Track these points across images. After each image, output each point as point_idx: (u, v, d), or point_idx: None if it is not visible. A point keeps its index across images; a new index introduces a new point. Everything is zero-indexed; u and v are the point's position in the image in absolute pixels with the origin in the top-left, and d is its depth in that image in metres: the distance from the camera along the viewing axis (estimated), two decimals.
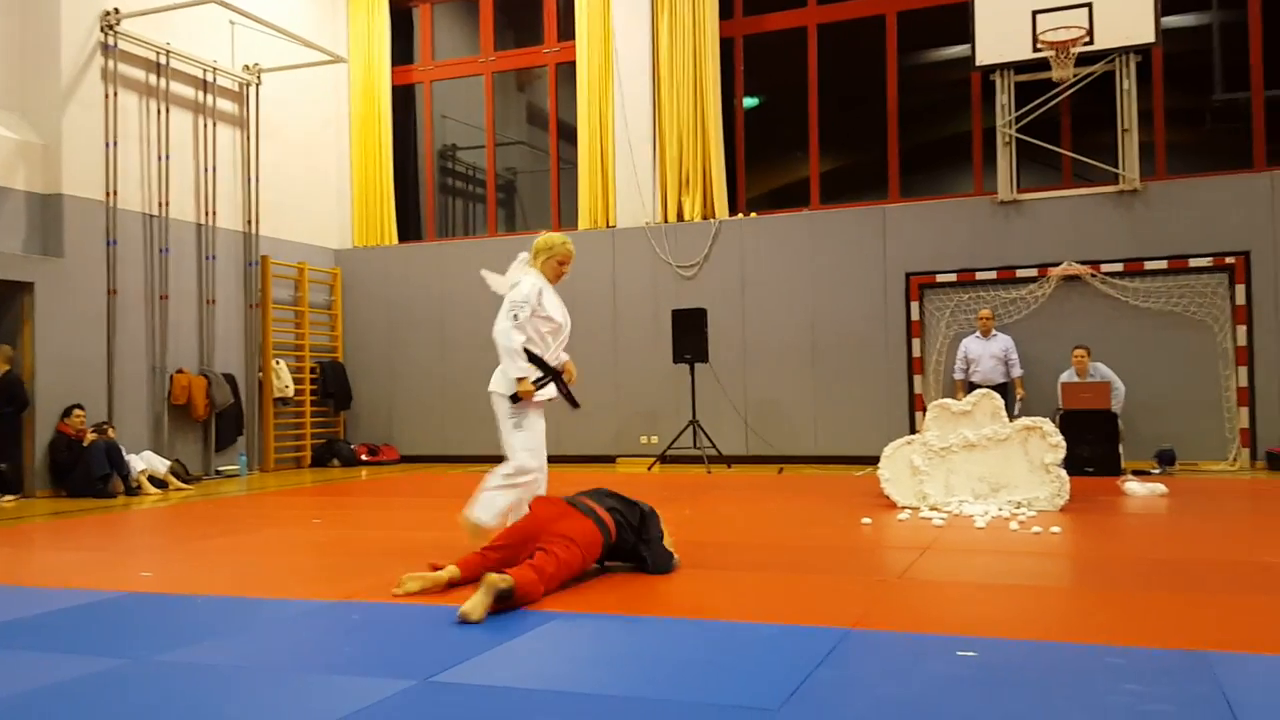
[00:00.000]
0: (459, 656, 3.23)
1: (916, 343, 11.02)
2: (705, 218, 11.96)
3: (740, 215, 11.99)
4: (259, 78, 12.11)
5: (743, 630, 3.59)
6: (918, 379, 10.98)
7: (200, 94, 11.48)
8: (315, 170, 13.30)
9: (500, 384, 5.06)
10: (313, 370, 12.94)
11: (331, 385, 13.01)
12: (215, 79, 11.59)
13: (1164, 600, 3.99)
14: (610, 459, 11.94)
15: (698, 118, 12.02)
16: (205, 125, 11.47)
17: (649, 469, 11.13)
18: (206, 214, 11.42)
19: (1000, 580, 4.51)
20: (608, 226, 12.34)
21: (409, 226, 13.74)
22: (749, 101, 12.62)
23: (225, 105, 11.85)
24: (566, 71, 12.94)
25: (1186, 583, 4.32)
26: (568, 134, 13.01)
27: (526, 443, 5.04)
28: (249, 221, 12.05)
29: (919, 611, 3.94)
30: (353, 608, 4.07)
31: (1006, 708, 2.70)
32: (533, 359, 5.01)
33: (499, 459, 5.15)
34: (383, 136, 13.47)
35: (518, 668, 3.21)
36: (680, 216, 12.10)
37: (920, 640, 3.42)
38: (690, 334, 11.01)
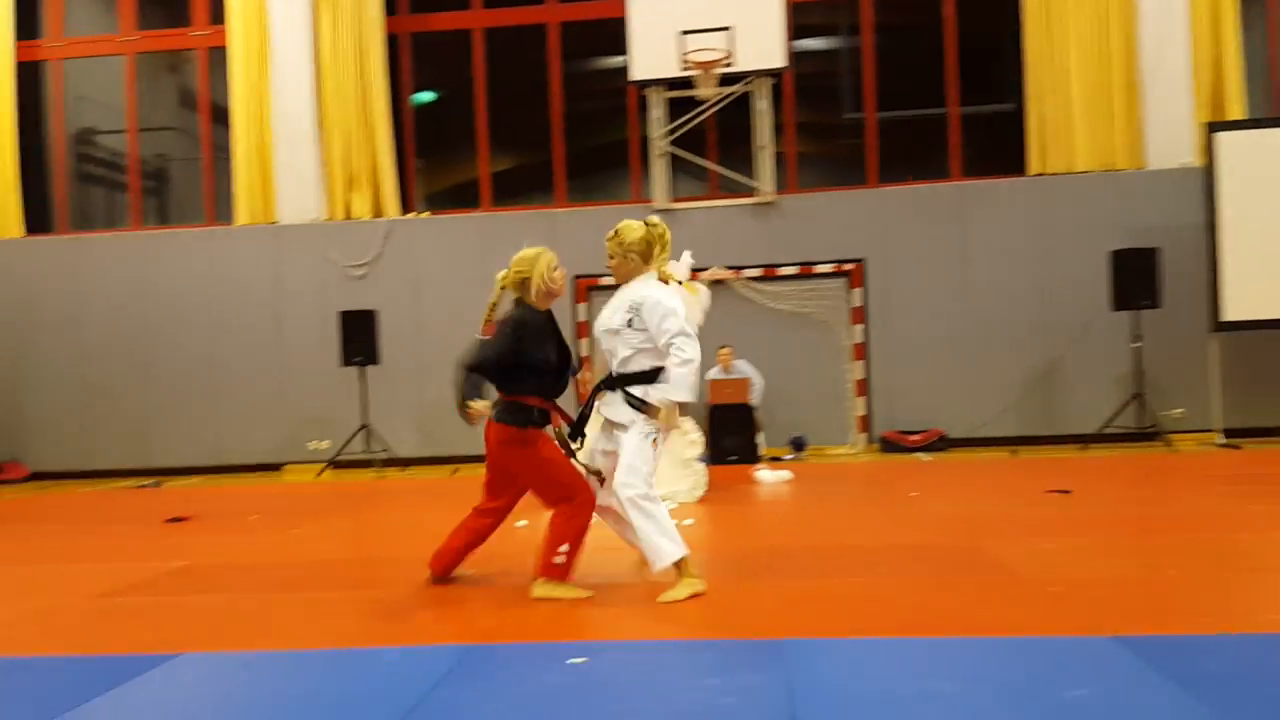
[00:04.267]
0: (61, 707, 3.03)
1: (584, 343, 11.46)
2: (376, 216, 11.75)
3: (413, 215, 11.89)
4: None
5: (361, 657, 3.60)
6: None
7: None
8: None
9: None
10: None
11: None
12: None
13: (763, 589, 4.46)
14: (276, 467, 11.44)
15: (364, 114, 11.76)
16: None
17: (318, 475, 10.81)
18: None
19: (626, 580, 4.79)
20: (270, 223, 11.78)
21: (37, 217, 12.36)
22: (424, 96, 12.52)
23: None
24: (220, 56, 12.16)
25: (793, 569, 4.85)
26: (226, 121, 12.23)
27: None
28: None
29: (543, 620, 4.06)
30: None
31: (589, 714, 2.92)
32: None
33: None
34: (2, 118, 12.02)
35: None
36: (349, 214, 11.80)
37: (537, 651, 3.59)
38: (360, 336, 10.81)
